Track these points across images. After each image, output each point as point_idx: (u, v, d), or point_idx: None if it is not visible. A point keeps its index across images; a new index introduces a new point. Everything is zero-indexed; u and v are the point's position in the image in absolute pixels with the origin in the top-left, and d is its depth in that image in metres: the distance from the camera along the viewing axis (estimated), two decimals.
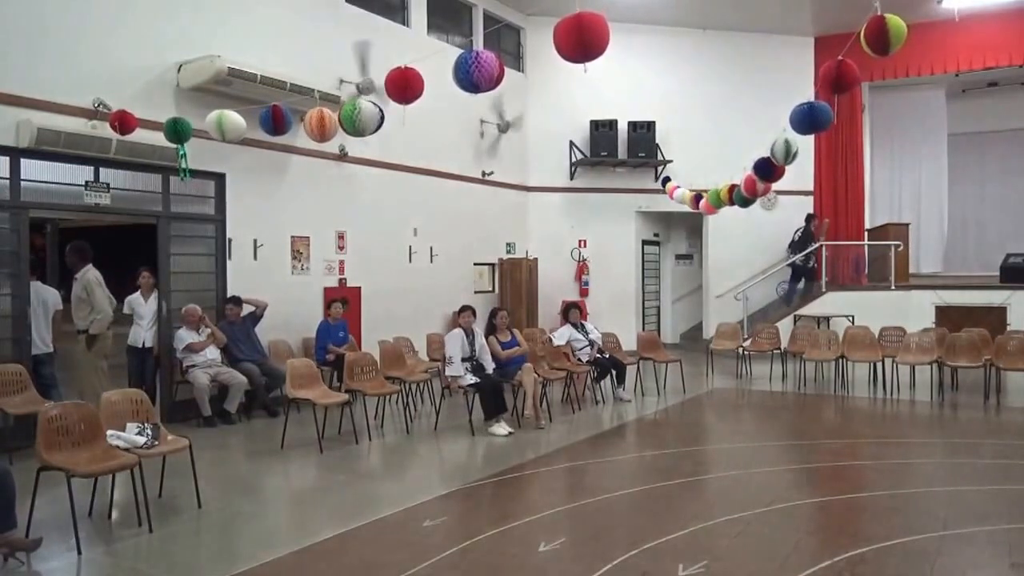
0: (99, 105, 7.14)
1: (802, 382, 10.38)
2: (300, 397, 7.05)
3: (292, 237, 9.23)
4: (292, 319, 9.10)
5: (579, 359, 9.11)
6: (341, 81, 9.54)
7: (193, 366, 7.74)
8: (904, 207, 16.03)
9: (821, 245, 13.13)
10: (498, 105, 12.31)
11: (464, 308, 7.93)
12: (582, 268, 13.88)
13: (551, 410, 8.35)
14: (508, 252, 13.10)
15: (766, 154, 7.51)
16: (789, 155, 7.21)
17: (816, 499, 5.56)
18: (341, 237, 9.89)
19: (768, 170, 7.73)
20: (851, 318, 11.81)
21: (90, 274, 7.10)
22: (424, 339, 10.11)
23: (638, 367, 10.07)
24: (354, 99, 6.14)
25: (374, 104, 6.05)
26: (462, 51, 4.95)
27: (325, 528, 4.75)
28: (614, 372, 9.20)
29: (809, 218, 13.66)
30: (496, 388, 7.57)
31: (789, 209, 14.06)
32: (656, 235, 15.20)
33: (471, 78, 4.83)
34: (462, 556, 4.28)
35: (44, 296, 7.14)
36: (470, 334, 7.79)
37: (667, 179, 12.27)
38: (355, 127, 5.99)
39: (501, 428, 7.38)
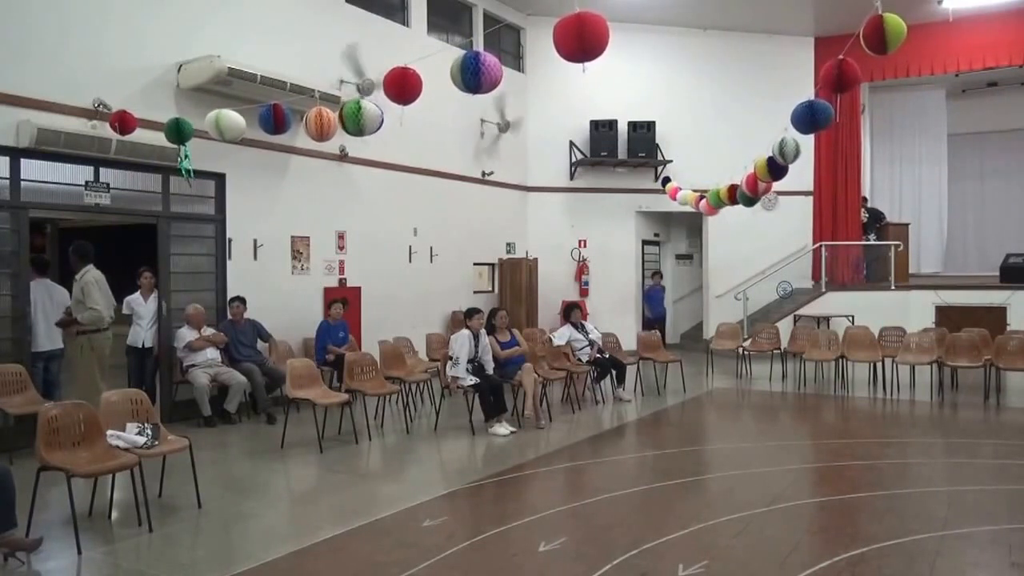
0: (99, 105, 7.14)
1: (802, 382, 10.38)
2: (300, 397, 7.05)
3: (292, 237, 9.23)
4: (292, 319, 9.10)
5: (579, 359, 9.12)
6: (341, 81, 9.53)
7: (193, 366, 7.74)
8: (904, 207, 16.03)
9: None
10: (500, 105, 12.31)
11: (474, 311, 7.86)
12: (582, 268, 13.87)
13: (551, 410, 8.34)
14: (508, 252, 13.09)
15: (769, 154, 7.51)
16: (794, 155, 7.21)
17: (816, 499, 5.56)
18: (341, 237, 9.89)
19: (774, 169, 7.72)
20: (851, 318, 11.81)
21: (89, 275, 7.07)
22: (424, 339, 10.11)
23: (638, 367, 10.07)
24: (357, 99, 6.14)
25: (375, 104, 6.05)
26: (464, 52, 4.96)
27: (325, 528, 4.75)
28: (614, 372, 9.20)
29: (864, 201, 14.44)
30: (496, 388, 7.57)
31: (789, 209, 14.09)
32: (656, 235, 15.20)
33: (479, 80, 4.85)
34: (462, 556, 4.28)
35: (54, 294, 7.14)
36: (477, 337, 7.79)
37: (667, 179, 12.28)
38: (358, 126, 5.99)
39: (501, 428, 7.38)
